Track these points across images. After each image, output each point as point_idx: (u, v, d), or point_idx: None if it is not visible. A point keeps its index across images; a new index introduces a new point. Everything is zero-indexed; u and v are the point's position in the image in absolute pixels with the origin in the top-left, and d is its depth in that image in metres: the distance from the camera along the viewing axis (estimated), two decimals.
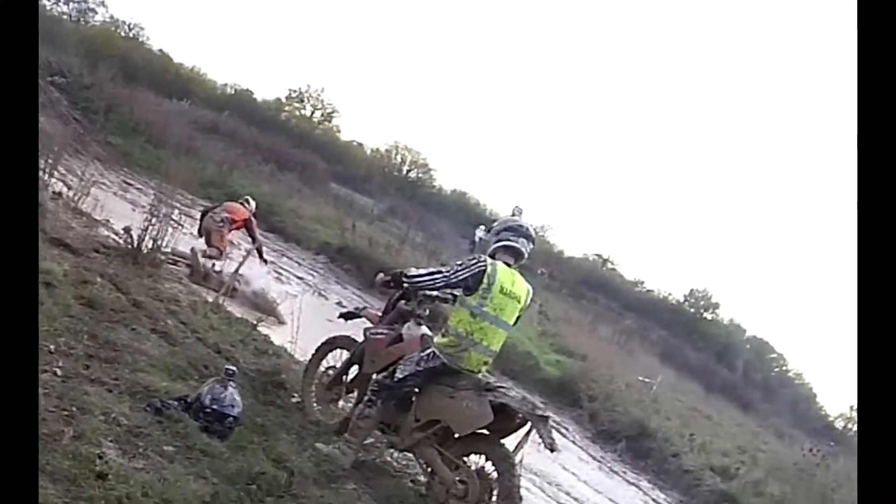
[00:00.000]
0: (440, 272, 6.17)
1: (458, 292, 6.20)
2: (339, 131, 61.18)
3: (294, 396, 7.62)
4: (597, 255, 62.33)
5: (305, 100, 60.39)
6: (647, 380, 22.81)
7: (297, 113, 59.97)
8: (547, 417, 5.82)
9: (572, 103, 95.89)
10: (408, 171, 59.83)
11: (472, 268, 5.93)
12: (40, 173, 12.22)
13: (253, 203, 14.82)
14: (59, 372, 5.72)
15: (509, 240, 6.12)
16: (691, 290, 60.69)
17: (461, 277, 5.97)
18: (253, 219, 14.34)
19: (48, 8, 50.96)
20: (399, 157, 60.14)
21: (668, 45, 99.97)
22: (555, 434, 5.92)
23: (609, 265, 62.03)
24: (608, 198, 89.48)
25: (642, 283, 61.43)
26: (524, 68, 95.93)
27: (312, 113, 60.62)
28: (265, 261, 14.51)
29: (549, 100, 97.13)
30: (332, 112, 60.87)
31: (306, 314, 9.34)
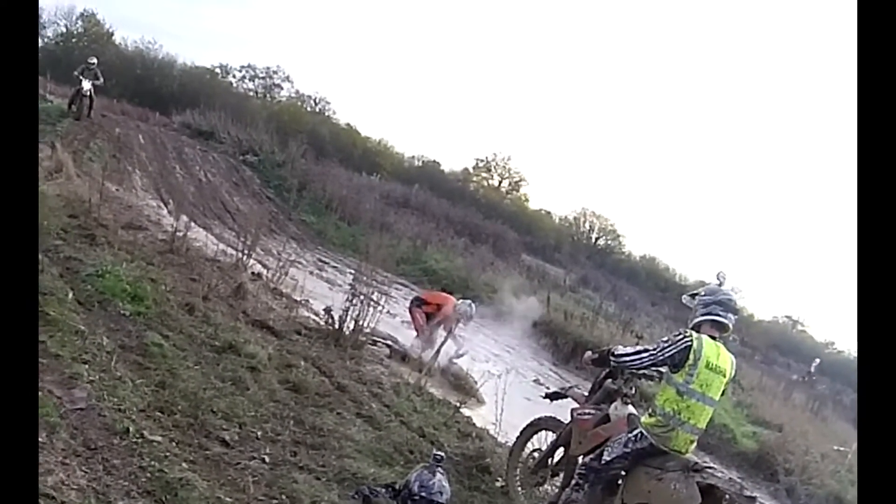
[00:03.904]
0: (647, 350, 6.14)
1: (663, 369, 6.15)
2: (527, 200, 61.94)
3: (498, 480, 7.65)
4: (787, 317, 60.93)
5: (492, 169, 61.58)
6: (841, 449, 21.85)
7: (485, 183, 61.06)
8: (754, 498, 5.65)
9: (749, 160, 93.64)
10: (597, 239, 59.95)
11: (679, 344, 5.87)
12: (240, 254, 12.94)
13: (469, 309, 15.00)
14: (266, 459, 6.03)
15: (718, 314, 6.04)
16: None
17: (668, 354, 5.91)
18: (449, 311, 14.51)
19: (234, 85, 54.07)
20: (587, 225, 60.49)
21: None
22: None
23: (799, 327, 60.37)
24: (797, 256, 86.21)
25: (833, 344, 59.23)
26: (706, 131, 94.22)
27: (500, 182, 61.60)
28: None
29: (729, 158, 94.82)
30: (520, 181, 61.77)
31: (505, 393, 9.40)
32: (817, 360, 41.66)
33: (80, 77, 25.57)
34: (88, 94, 25.65)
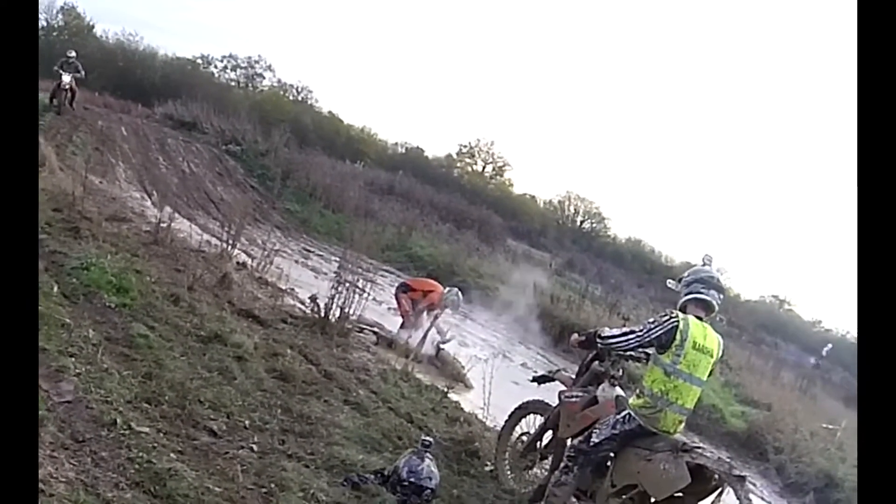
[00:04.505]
0: (633, 332, 6.15)
1: (650, 350, 6.16)
2: (511, 185, 62.05)
3: (487, 465, 7.66)
4: (773, 296, 61.08)
5: (476, 154, 61.65)
6: (830, 426, 22.03)
7: (469, 168, 61.14)
8: (744, 478, 5.67)
9: (734, 140, 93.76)
10: (582, 222, 60.06)
11: (665, 325, 5.89)
12: (224, 244, 12.92)
13: (456, 297, 14.96)
14: (255, 448, 6.02)
15: (700, 292, 6.03)
16: None
17: (654, 335, 5.93)
18: (436, 299, 14.45)
19: (216, 75, 53.98)
20: (572, 208, 60.54)
21: None
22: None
23: (786, 306, 60.57)
24: (783, 235, 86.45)
25: (820, 322, 59.50)
26: (690, 112, 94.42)
27: (484, 168, 61.72)
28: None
29: (711, 137, 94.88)
30: (504, 166, 61.86)
31: (493, 378, 9.42)
32: (829, 346, 41.71)
33: (60, 71, 25.42)
34: (69, 87, 25.58)
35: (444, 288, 14.80)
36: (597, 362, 6.96)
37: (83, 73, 26.48)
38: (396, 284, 15.96)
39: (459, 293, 14.91)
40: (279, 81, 57.30)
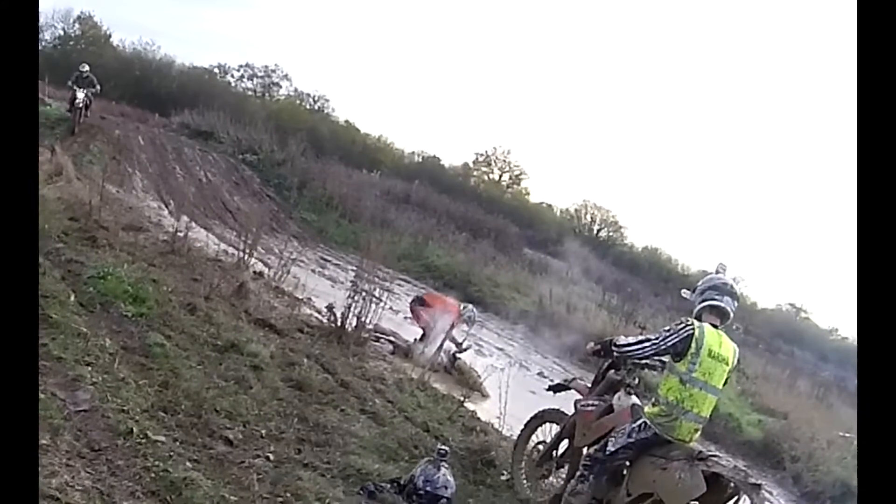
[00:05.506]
0: (649, 340, 6.13)
1: (666, 359, 6.16)
2: (528, 194, 61.69)
3: (503, 474, 7.64)
4: (790, 304, 60.11)
5: (493, 163, 61.26)
6: (847, 435, 21.89)
7: (486, 177, 60.85)
8: (760, 486, 5.62)
9: (752, 149, 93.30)
10: (598, 231, 59.47)
11: (681, 332, 5.87)
12: (241, 254, 12.97)
13: (472, 314, 15.06)
14: (271, 457, 6.03)
15: (714, 299, 6.02)
16: None
17: (670, 343, 5.91)
18: (455, 317, 14.46)
19: (233, 85, 54.05)
20: (589, 217, 59.88)
21: None
22: None
23: (803, 314, 59.90)
24: (800, 244, 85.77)
25: (837, 330, 58.50)
26: (708, 120, 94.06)
27: (500, 176, 61.39)
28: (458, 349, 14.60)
29: (730, 147, 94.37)
30: (520, 174, 61.52)
31: (509, 387, 9.40)
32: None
33: (74, 87, 24.41)
34: (82, 105, 24.48)
35: (460, 305, 14.82)
36: (612, 371, 6.94)
37: (99, 87, 25.43)
38: (413, 296, 15.96)
39: (475, 309, 14.94)
40: (296, 90, 57.37)
